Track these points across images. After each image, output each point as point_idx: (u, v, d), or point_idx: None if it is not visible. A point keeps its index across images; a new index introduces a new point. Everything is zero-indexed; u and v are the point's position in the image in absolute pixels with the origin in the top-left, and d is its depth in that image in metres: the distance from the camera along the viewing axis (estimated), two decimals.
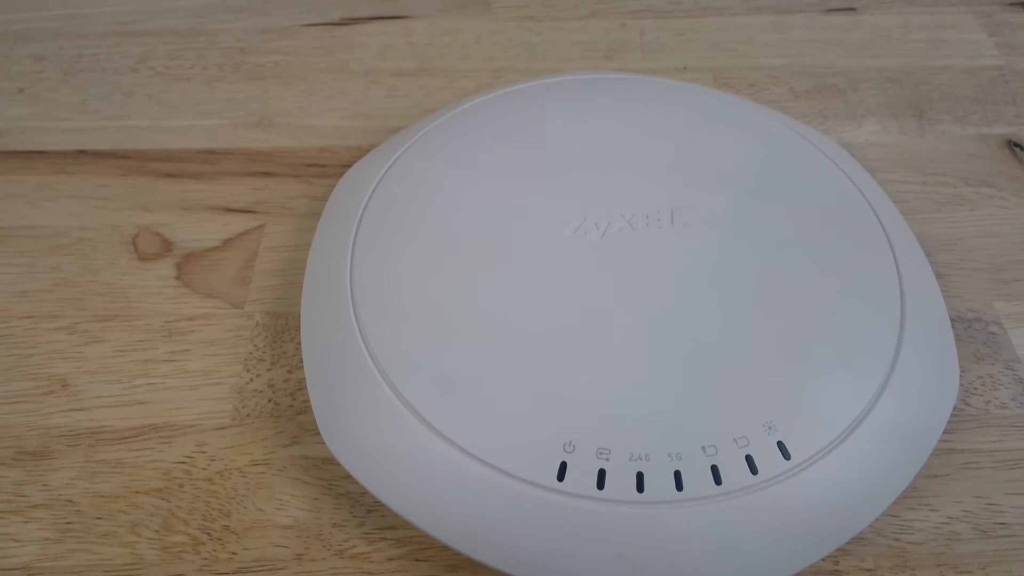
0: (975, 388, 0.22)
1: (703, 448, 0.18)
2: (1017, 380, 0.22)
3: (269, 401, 0.22)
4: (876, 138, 0.29)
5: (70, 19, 0.34)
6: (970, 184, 0.27)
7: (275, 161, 0.29)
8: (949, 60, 0.32)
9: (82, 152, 0.29)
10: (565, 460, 0.18)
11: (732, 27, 0.34)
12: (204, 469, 0.21)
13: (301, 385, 0.23)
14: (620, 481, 0.18)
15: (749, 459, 0.18)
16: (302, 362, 0.22)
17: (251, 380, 0.23)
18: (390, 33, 0.34)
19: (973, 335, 0.23)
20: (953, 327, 0.23)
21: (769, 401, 0.19)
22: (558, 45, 0.33)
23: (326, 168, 0.28)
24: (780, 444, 0.19)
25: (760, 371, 0.20)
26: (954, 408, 0.21)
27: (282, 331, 0.24)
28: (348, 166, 0.28)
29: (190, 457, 0.21)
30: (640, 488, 0.18)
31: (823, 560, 0.19)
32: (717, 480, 0.18)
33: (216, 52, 0.33)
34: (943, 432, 0.20)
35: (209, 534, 0.20)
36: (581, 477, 0.18)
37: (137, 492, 0.21)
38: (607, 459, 0.18)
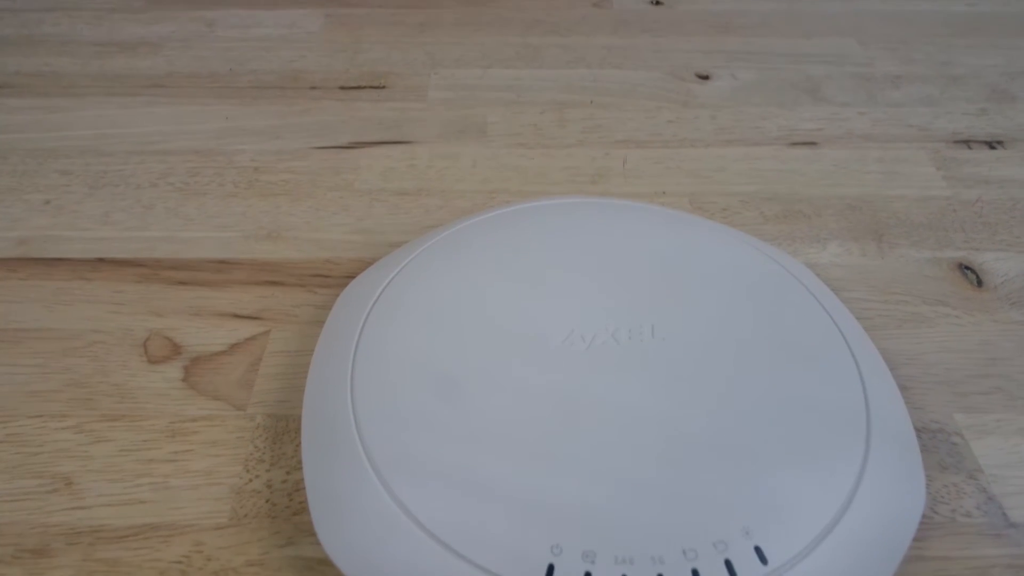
0: (942, 496, 0.23)
1: (684, 552, 0.19)
2: (980, 489, 0.24)
3: (267, 501, 0.23)
4: (839, 259, 0.32)
5: (98, 139, 0.37)
6: (927, 303, 0.30)
7: (282, 271, 0.31)
8: (903, 190, 0.35)
9: (101, 260, 0.31)
10: (553, 562, 0.19)
11: (706, 157, 0.37)
12: (200, 569, 0.21)
13: (298, 486, 0.23)
14: None
15: (728, 564, 0.19)
16: (300, 463, 0.23)
17: (250, 480, 0.24)
18: (393, 156, 0.37)
19: (937, 445, 0.25)
20: (918, 437, 0.24)
21: (746, 507, 0.20)
22: (548, 170, 0.36)
23: (330, 279, 0.30)
24: (757, 549, 0.19)
25: (737, 478, 0.21)
26: (923, 515, 0.22)
27: (282, 433, 0.25)
28: (351, 277, 0.30)
29: (187, 556, 0.22)
30: None
31: None
32: None
33: (232, 170, 0.36)
34: (913, 539, 0.21)
35: None
36: None
37: None
38: (593, 562, 0.19)
